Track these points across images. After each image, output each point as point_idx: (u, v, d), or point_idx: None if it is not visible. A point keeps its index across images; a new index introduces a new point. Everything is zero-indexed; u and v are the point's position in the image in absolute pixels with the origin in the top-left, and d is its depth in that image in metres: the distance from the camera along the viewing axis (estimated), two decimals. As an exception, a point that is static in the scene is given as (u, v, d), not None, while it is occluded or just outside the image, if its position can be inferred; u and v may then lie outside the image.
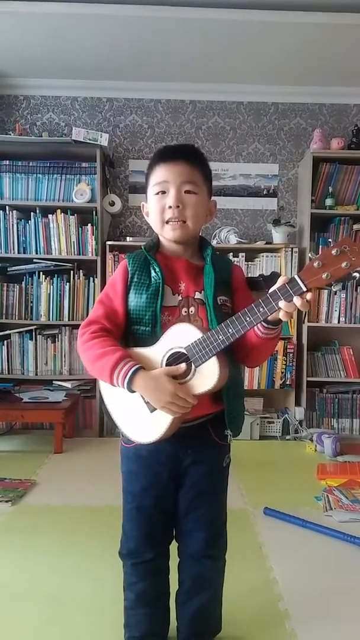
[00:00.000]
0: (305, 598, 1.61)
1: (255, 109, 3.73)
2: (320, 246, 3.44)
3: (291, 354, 3.42)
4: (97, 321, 1.18)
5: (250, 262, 3.49)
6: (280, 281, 1.01)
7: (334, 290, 3.36)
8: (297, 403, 3.49)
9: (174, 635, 1.32)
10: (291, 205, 3.75)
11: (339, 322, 3.47)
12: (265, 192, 3.75)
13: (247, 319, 1.03)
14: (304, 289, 0.96)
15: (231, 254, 3.48)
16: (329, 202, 3.44)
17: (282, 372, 3.43)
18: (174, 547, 1.30)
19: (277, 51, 3.15)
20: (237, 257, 3.46)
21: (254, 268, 3.49)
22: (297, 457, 3.10)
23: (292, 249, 3.43)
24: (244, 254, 3.46)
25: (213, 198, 1.26)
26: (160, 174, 1.18)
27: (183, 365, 1.08)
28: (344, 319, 3.47)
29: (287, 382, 3.44)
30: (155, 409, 1.10)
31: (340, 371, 3.52)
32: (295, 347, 3.44)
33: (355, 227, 3.46)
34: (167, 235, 1.19)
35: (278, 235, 3.49)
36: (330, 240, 3.47)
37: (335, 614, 1.54)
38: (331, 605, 1.58)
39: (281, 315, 1.02)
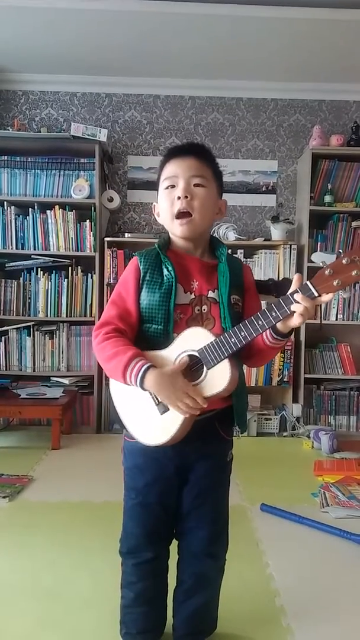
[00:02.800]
0: (301, 594, 1.61)
1: (255, 105, 3.72)
2: (319, 243, 3.44)
3: (289, 351, 3.43)
4: (111, 322, 1.18)
5: (249, 259, 3.49)
6: (294, 285, 1.03)
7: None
8: (295, 400, 3.50)
9: (170, 632, 1.32)
10: (290, 202, 3.75)
11: (337, 319, 3.48)
12: (264, 189, 3.74)
13: (260, 322, 1.05)
14: (316, 294, 1.00)
15: (230, 250, 3.46)
16: (328, 199, 3.44)
17: (279, 369, 3.43)
18: (173, 546, 1.30)
19: (276, 47, 3.14)
20: (236, 253, 3.45)
21: (252, 265, 3.48)
22: (294, 453, 3.11)
23: (290, 245, 3.43)
24: (242, 250, 3.46)
25: (223, 197, 1.27)
26: (170, 169, 1.20)
27: (186, 358, 1.09)
28: (342, 317, 3.47)
29: (285, 379, 3.45)
30: (165, 411, 1.11)
31: (337, 368, 3.53)
32: (293, 344, 3.45)
33: (354, 224, 3.46)
34: (176, 231, 1.20)
35: (277, 232, 3.49)
36: (327, 236, 3.48)
37: (331, 609, 1.55)
38: (327, 601, 1.59)
39: (295, 319, 1.04)
